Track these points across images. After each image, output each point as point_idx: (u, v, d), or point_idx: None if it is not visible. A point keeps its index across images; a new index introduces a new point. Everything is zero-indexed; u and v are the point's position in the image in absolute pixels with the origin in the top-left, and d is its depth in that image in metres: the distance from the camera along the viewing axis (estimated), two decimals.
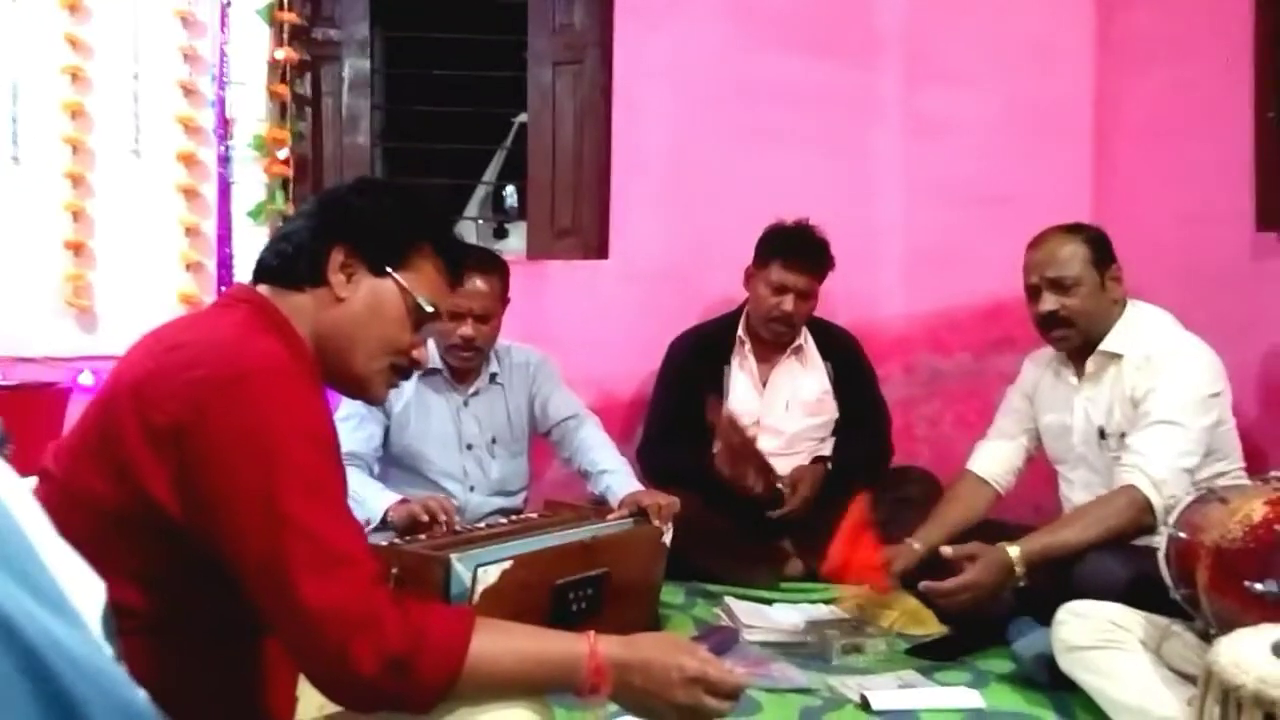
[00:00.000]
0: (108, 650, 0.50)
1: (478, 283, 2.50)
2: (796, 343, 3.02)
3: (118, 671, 0.50)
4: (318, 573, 0.98)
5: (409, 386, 2.61)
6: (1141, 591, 1.88)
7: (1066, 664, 1.89)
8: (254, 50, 3.07)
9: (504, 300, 2.60)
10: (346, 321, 1.21)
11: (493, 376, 2.67)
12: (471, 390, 2.65)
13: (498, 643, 1.06)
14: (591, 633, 1.11)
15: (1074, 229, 2.31)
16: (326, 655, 0.99)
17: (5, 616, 0.44)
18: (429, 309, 1.25)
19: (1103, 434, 2.25)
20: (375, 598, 1.01)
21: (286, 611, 1.00)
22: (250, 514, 0.99)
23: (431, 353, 2.61)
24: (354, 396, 1.30)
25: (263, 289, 1.22)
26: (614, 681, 1.09)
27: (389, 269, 1.23)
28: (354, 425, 2.53)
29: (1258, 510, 1.59)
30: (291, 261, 1.22)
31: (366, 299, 1.22)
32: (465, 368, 2.62)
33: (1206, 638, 1.68)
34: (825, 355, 3.05)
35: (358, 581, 1.01)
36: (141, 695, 0.51)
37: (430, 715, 1.05)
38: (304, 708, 1.23)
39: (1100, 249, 2.26)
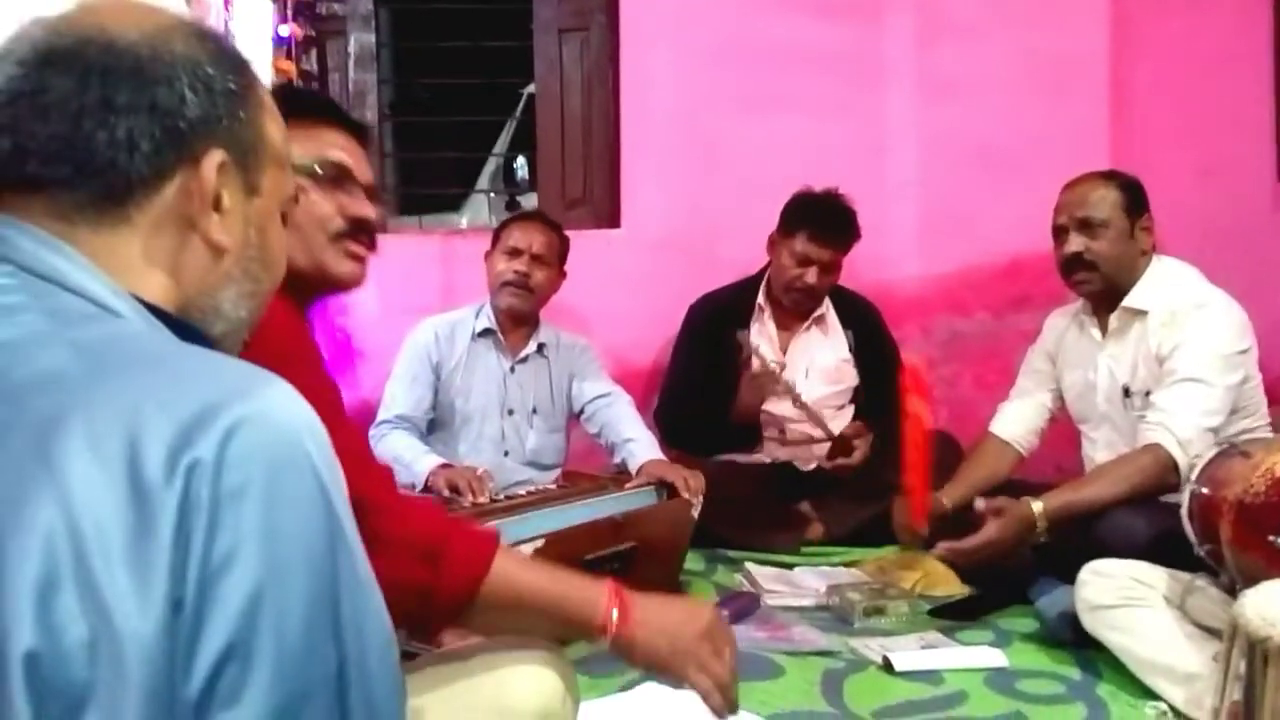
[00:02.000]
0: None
1: (539, 225, 2.68)
2: (818, 312, 3.01)
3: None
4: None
5: (461, 346, 2.68)
6: (1164, 547, 1.87)
7: (1090, 623, 1.88)
8: (258, 27, 3.04)
9: (561, 261, 2.72)
10: None
11: (540, 347, 2.72)
12: (519, 356, 2.70)
13: (522, 562, 1.11)
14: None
15: (1110, 175, 2.29)
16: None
17: (328, 494, 0.60)
18: (316, 168, 1.19)
19: (1127, 392, 2.23)
20: (405, 497, 1.07)
21: None
22: None
23: (486, 313, 2.66)
24: (331, 290, 1.24)
25: None
26: (637, 614, 1.10)
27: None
28: (405, 388, 2.61)
29: None
30: None
31: None
32: (514, 310, 2.67)
33: (1232, 592, 1.67)
34: (845, 324, 3.03)
35: (386, 482, 1.08)
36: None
37: (451, 672, 1.08)
38: None
39: (1134, 197, 2.23)
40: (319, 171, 1.20)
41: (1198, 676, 1.69)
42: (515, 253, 2.63)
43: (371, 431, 2.58)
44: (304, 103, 1.26)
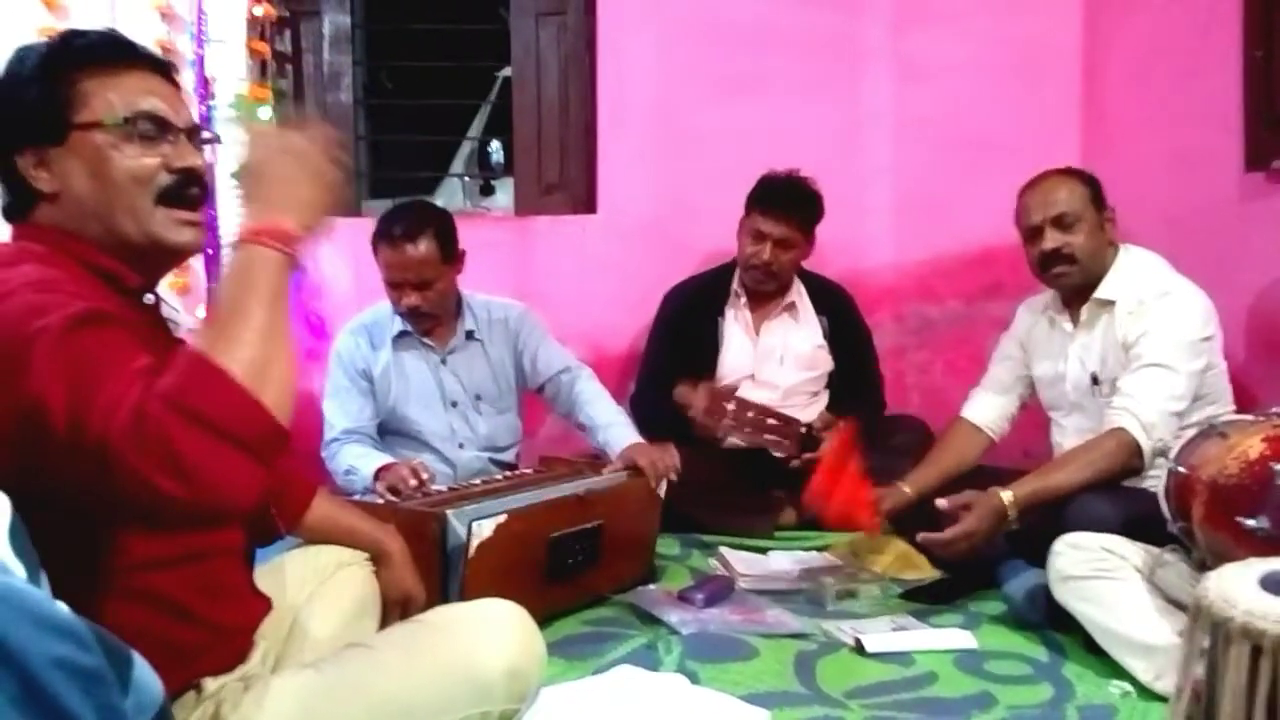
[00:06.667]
0: (19, 569, 0.52)
1: (407, 250, 2.44)
2: (789, 299, 3.02)
3: (27, 588, 0.52)
4: (104, 412, 0.89)
5: (384, 349, 2.58)
6: (1130, 530, 1.91)
7: (1061, 594, 1.92)
8: (232, 6, 3.01)
9: (446, 259, 2.49)
10: (85, 203, 1.11)
11: (469, 333, 2.62)
12: (448, 348, 2.61)
13: (216, 328, 0.97)
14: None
15: (1069, 171, 2.34)
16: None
17: None
18: (137, 120, 1.12)
19: (1096, 380, 2.26)
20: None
21: (99, 452, 0.88)
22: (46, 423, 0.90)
23: (401, 318, 2.58)
24: (167, 256, 1.17)
25: (13, 232, 1.15)
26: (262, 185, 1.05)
27: (66, 128, 1.11)
28: (340, 402, 2.55)
29: (1255, 447, 1.61)
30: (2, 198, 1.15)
31: (81, 170, 1.11)
32: (424, 328, 2.58)
33: (1203, 568, 1.71)
34: (819, 310, 3.05)
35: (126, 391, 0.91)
36: (62, 608, 0.54)
37: (419, 636, 1.10)
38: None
39: (1097, 190, 2.28)
40: (134, 126, 1.12)
41: (1160, 649, 1.73)
42: (397, 286, 2.46)
43: (323, 453, 2.50)
44: (95, 51, 1.14)
